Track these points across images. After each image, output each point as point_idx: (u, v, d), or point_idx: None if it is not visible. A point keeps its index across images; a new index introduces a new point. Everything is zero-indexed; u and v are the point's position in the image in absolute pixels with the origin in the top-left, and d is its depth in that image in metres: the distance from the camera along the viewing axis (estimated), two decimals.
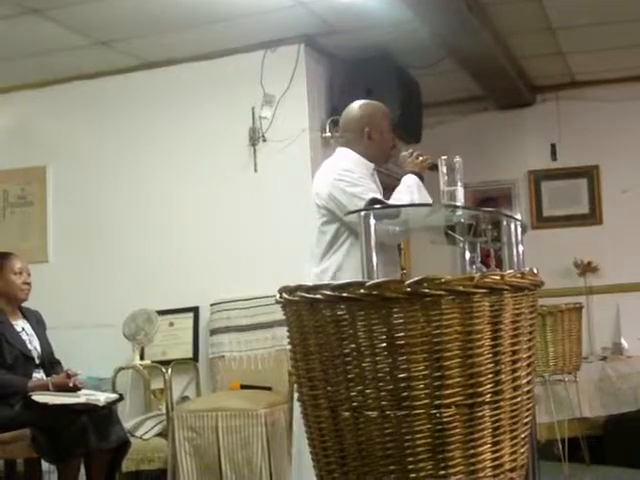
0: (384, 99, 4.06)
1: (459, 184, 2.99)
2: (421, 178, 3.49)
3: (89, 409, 3.85)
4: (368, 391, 1.59)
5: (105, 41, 5.04)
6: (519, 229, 3.05)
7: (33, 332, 4.25)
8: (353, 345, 1.60)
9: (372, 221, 2.67)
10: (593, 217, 6.48)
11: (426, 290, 1.55)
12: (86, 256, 5.52)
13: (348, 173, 3.40)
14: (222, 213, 5.27)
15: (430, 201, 3.38)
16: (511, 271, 1.68)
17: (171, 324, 5.25)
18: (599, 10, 4.93)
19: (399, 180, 3.52)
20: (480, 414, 1.58)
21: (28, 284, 4.30)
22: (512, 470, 1.65)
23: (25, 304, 4.36)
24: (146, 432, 4.64)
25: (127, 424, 4.47)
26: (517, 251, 3.01)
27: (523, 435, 1.68)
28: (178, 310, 5.26)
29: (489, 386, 1.59)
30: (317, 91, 5.29)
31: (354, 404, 1.61)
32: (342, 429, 1.64)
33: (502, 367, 1.61)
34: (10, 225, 5.74)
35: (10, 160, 5.74)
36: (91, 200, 5.57)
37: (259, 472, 4.34)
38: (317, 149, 5.16)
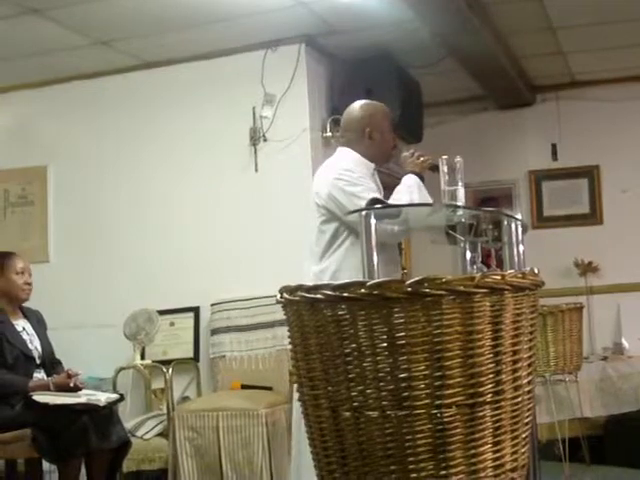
0: (384, 99, 4.06)
1: (460, 184, 2.99)
2: (422, 178, 3.49)
3: (90, 409, 3.85)
4: (369, 391, 1.59)
5: (105, 41, 5.04)
6: (520, 229, 3.05)
7: (34, 332, 4.25)
8: (354, 345, 1.60)
9: (373, 221, 2.67)
10: (593, 217, 6.48)
11: (427, 290, 1.55)
12: (86, 256, 5.53)
13: (348, 172, 3.40)
14: (222, 213, 5.28)
15: (430, 201, 3.38)
16: (512, 271, 1.67)
17: (172, 324, 5.25)
18: (599, 10, 4.93)
19: (400, 180, 3.52)
20: (481, 414, 1.58)
21: (29, 284, 4.30)
22: (513, 470, 1.65)
23: (26, 304, 4.35)
24: (147, 432, 4.64)
25: (128, 424, 4.47)
26: (518, 251, 3.01)
27: (524, 435, 1.68)
28: (179, 310, 5.27)
29: (490, 386, 1.59)
30: (318, 91, 5.29)
31: (355, 404, 1.61)
32: (343, 429, 1.64)
33: (503, 367, 1.61)
34: (11, 225, 5.74)
35: (10, 160, 5.74)
36: (91, 200, 5.57)
37: (260, 472, 4.34)
38: (318, 149, 5.16)
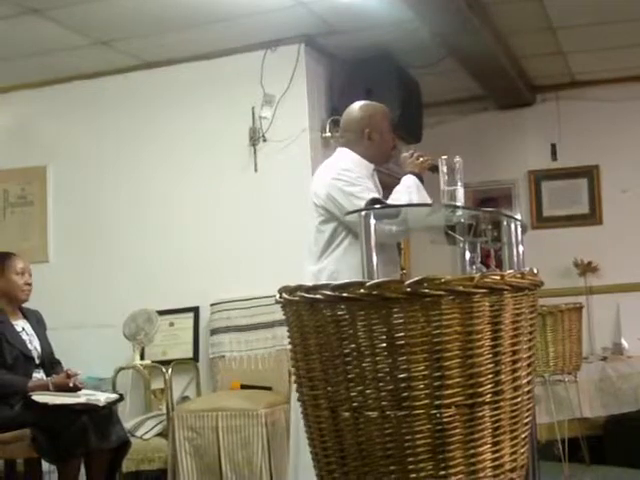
0: (384, 99, 4.06)
1: (459, 184, 2.99)
2: (421, 179, 3.49)
3: (89, 409, 3.85)
4: (368, 391, 1.59)
5: (105, 41, 5.04)
6: (519, 229, 3.05)
7: (33, 332, 4.25)
8: (353, 345, 1.60)
9: (372, 221, 2.67)
10: (593, 217, 6.48)
11: (426, 290, 1.55)
12: (86, 256, 5.53)
13: (347, 172, 3.40)
14: (222, 213, 5.28)
15: (429, 202, 3.38)
16: (511, 271, 1.67)
17: (171, 324, 5.25)
18: (599, 10, 4.93)
19: (399, 180, 3.52)
20: (480, 414, 1.58)
21: (29, 285, 4.30)
22: (512, 470, 1.65)
23: (25, 304, 4.35)
24: (146, 432, 4.64)
25: (127, 424, 4.47)
26: (517, 251, 3.02)
27: (523, 435, 1.68)
28: (178, 310, 5.27)
29: (489, 386, 1.59)
30: (317, 91, 5.29)
31: (354, 404, 1.61)
32: (342, 429, 1.64)
33: (502, 367, 1.61)
34: (10, 225, 5.74)
35: (10, 160, 5.74)
36: (91, 200, 5.57)
37: (259, 472, 4.34)
38: (317, 149, 5.16)
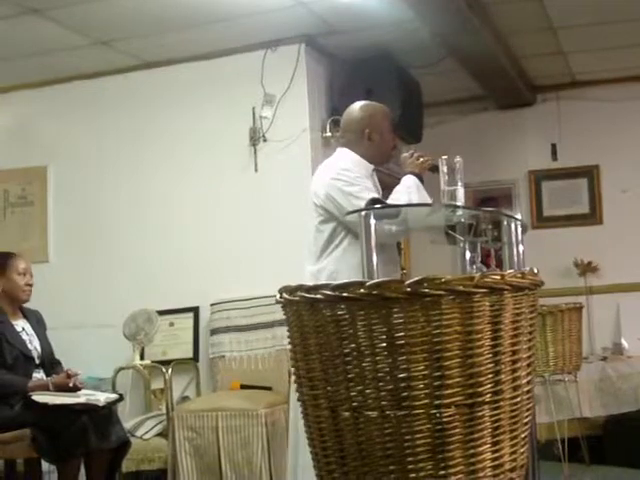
0: (384, 99, 4.06)
1: (459, 184, 2.99)
2: (421, 179, 3.48)
3: (89, 409, 3.85)
4: (368, 391, 1.59)
5: (105, 41, 5.04)
6: (519, 229, 3.05)
7: (33, 332, 4.25)
8: (353, 345, 1.60)
9: (372, 221, 2.67)
10: (593, 217, 6.48)
11: (426, 290, 1.55)
12: (86, 256, 5.53)
13: (346, 172, 3.40)
14: (222, 213, 5.28)
15: (429, 202, 3.38)
16: (511, 271, 1.68)
17: (171, 324, 5.25)
18: (600, 10, 4.93)
19: (400, 180, 3.52)
20: (480, 414, 1.58)
21: (30, 285, 4.29)
22: (512, 470, 1.65)
23: (25, 304, 4.35)
24: (146, 432, 4.64)
25: (127, 424, 4.47)
26: (517, 251, 3.01)
27: (523, 435, 1.68)
28: (178, 310, 5.27)
29: (489, 386, 1.59)
30: (317, 91, 5.30)
31: (354, 404, 1.61)
32: (342, 429, 1.64)
33: (502, 367, 1.61)
34: (10, 225, 5.74)
35: (10, 160, 5.74)
36: (91, 200, 5.57)
37: (259, 472, 4.34)
38: (317, 149, 5.16)
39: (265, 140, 5.19)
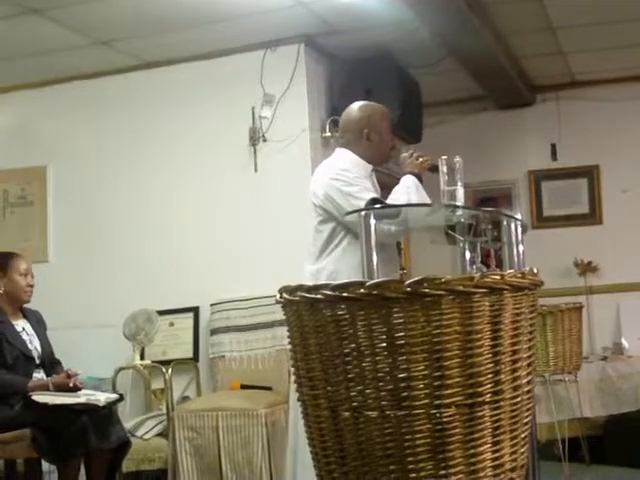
0: (384, 99, 4.06)
1: (459, 184, 2.99)
2: (420, 179, 3.48)
3: (89, 409, 3.85)
4: (368, 391, 1.59)
5: (105, 41, 5.04)
6: (519, 229, 3.05)
7: (33, 332, 4.25)
8: (353, 345, 1.60)
9: (372, 221, 2.67)
10: (593, 217, 6.48)
11: (426, 290, 1.55)
12: (86, 256, 5.53)
13: (345, 172, 3.41)
14: (222, 213, 5.28)
15: (428, 202, 3.38)
16: (511, 271, 1.68)
17: (171, 324, 5.25)
18: (599, 10, 4.93)
19: (399, 180, 3.52)
20: (480, 414, 1.58)
21: (31, 286, 4.29)
22: (512, 470, 1.65)
23: (26, 304, 4.35)
24: (146, 432, 4.64)
25: (127, 424, 4.47)
26: (517, 251, 3.02)
27: (523, 435, 1.68)
28: (178, 310, 5.27)
29: (489, 386, 1.59)
30: (317, 91, 5.29)
31: (354, 404, 1.61)
32: (342, 429, 1.64)
33: (502, 367, 1.61)
34: (10, 225, 5.74)
35: (10, 160, 5.74)
36: (91, 200, 5.57)
37: (259, 472, 4.34)
38: (317, 149, 5.16)
39: (265, 140, 5.19)
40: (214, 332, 5.11)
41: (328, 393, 1.65)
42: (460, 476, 1.57)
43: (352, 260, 3.17)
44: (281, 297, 1.74)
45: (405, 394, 1.56)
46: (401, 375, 1.56)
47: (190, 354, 5.22)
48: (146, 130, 5.47)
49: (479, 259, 3.23)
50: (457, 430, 1.56)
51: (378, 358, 1.58)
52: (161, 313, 5.05)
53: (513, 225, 3.02)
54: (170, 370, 4.79)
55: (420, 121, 5.73)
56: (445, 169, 3.00)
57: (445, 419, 1.56)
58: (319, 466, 1.72)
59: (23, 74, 5.50)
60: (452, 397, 1.56)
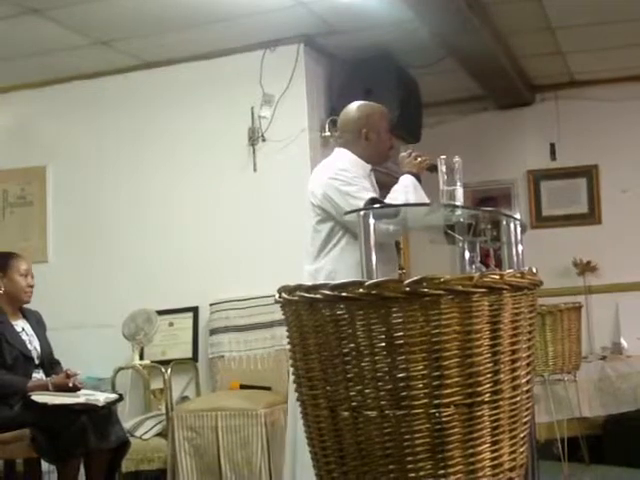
0: (384, 99, 4.06)
1: (458, 184, 2.99)
2: (418, 179, 3.49)
3: (89, 409, 3.85)
4: (367, 391, 1.59)
5: (105, 41, 5.04)
6: (518, 229, 3.06)
7: (33, 332, 4.25)
8: (352, 345, 1.60)
9: (371, 220, 2.67)
10: (592, 217, 6.48)
11: (425, 290, 1.55)
12: (86, 256, 5.53)
13: (343, 172, 3.41)
14: (222, 213, 5.28)
15: (427, 201, 3.38)
16: (510, 271, 1.68)
17: (171, 324, 5.25)
18: (599, 10, 4.93)
19: (398, 180, 3.52)
20: (479, 414, 1.58)
21: (32, 287, 4.29)
22: (511, 470, 1.65)
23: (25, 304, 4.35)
24: (146, 432, 4.64)
25: (127, 424, 4.47)
26: (516, 251, 3.02)
27: (522, 435, 1.68)
28: (178, 310, 5.27)
29: (488, 386, 1.59)
30: (316, 91, 5.30)
31: (353, 404, 1.61)
32: (341, 429, 1.64)
33: (501, 367, 1.61)
34: (10, 225, 5.74)
35: (10, 160, 5.74)
36: (91, 200, 5.57)
37: (259, 472, 4.34)
38: (316, 149, 5.17)
39: (264, 140, 5.19)
40: (213, 332, 5.11)
41: (327, 393, 1.65)
42: (459, 476, 1.57)
43: (350, 260, 3.17)
44: (280, 297, 1.74)
45: (404, 394, 1.56)
46: (400, 375, 1.56)
47: (189, 354, 5.22)
48: (146, 130, 5.47)
49: (478, 259, 3.23)
50: (456, 430, 1.57)
51: (377, 358, 1.58)
52: (160, 313, 5.05)
53: (512, 225, 3.02)
54: (169, 370, 4.79)
55: (420, 121, 5.73)
56: (444, 169, 3.01)
57: (444, 419, 1.56)
58: (318, 466, 1.73)
59: (23, 74, 5.50)
60: (451, 397, 1.56)
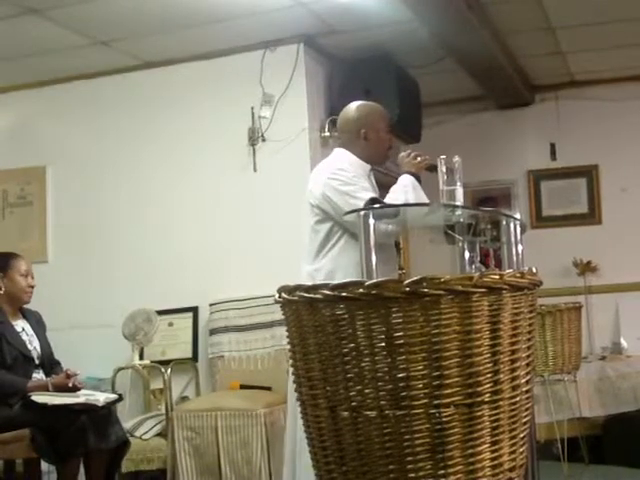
0: (383, 99, 4.07)
1: (458, 184, 2.99)
2: (418, 179, 3.48)
3: (88, 409, 3.85)
4: (367, 391, 1.59)
5: (105, 41, 5.04)
6: (518, 229, 3.06)
7: (33, 332, 4.25)
8: (352, 345, 1.60)
9: (371, 220, 2.67)
10: (592, 217, 6.48)
11: (425, 290, 1.55)
12: (86, 256, 5.52)
13: (342, 172, 3.41)
14: (222, 213, 5.28)
15: (426, 201, 3.38)
16: (510, 271, 1.68)
17: (170, 324, 5.25)
18: (599, 9, 4.93)
19: (397, 179, 3.52)
20: (479, 414, 1.58)
21: (32, 287, 4.29)
22: (511, 470, 1.65)
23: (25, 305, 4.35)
24: (145, 432, 4.64)
25: (126, 424, 4.47)
26: (516, 251, 3.02)
27: (522, 435, 1.68)
28: (177, 310, 5.26)
29: (488, 386, 1.59)
30: (316, 91, 5.30)
31: (353, 404, 1.61)
32: (341, 429, 1.64)
33: (501, 367, 1.61)
34: (10, 225, 5.74)
35: (10, 160, 5.74)
36: (91, 200, 5.57)
37: (258, 472, 4.34)
38: (316, 149, 5.17)
39: (264, 140, 5.19)
40: (213, 332, 5.11)
41: (327, 393, 1.65)
42: (459, 476, 1.57)
43: (349, 260, 3.17)
44: (280, 297, 1.74)
45: (404, 394, 1.56)
46: (400, 375, 1.56)
47: (189, 354, 5.22)
48: (145, 130, 5.47)
49: (478, 259, 3.24)
50: (456, 430, 1.57)
51: (377, 358, 1.58)
52: (160, 313, 5.04)
53: (512, 225, 3.02)
54: (169, 370, 4.79)
55: (419, 121, 5.73)
56: (444, 169, 3.01)
57: (444, 419, 1.56)
58: (318, 466, 1.73)
59: (23, 74, 5.50)
60: (451, 397, 1.56)
